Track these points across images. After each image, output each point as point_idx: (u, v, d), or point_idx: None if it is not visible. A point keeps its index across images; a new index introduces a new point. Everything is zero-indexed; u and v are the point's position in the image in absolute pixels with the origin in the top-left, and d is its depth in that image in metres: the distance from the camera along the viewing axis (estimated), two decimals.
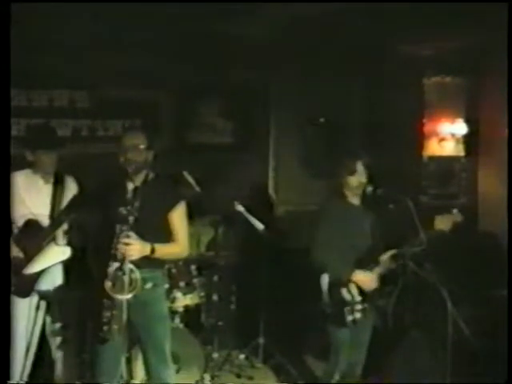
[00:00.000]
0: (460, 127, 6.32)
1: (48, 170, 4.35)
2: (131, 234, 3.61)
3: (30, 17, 4.69)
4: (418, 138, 6.36)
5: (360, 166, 4.28)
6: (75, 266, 4.33)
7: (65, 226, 4.28)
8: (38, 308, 4.06)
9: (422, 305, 5.12)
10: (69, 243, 4.29)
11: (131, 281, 3.58)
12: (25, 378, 4.25)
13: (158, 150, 4.02)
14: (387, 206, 4.37)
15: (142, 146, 3.80)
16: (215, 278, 5.25)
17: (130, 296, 3.59)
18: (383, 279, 4.25)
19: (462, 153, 6.40)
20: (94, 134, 5.88)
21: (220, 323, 5.33)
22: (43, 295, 4.12)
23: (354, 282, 4.17)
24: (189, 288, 4.95)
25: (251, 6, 5.06)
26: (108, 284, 3.57)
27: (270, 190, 6.53)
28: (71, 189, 4.42)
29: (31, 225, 4.28)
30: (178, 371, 4.52)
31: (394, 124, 6.32)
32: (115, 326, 3.62)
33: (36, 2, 4.63)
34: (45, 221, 4.29)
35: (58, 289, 4.28)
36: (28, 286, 4.21)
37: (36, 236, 4.24)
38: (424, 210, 5.44)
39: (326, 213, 4.30)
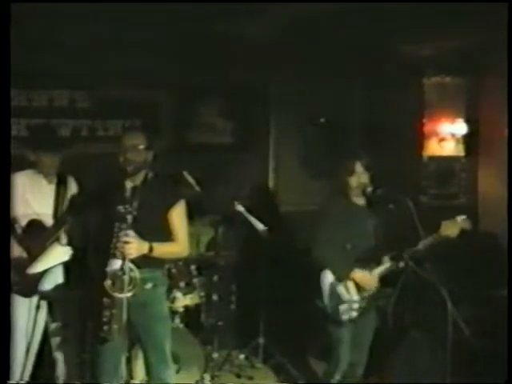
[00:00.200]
0: (460, 127, 6.32)
1: (51, 170, 4.35)
2: (129, 232, 3.61)
3: (29, 17, 4.69)
4: (418, 138, 6.36)
5: (359, 167, 4.28)
6: (76, 266, 4.33)
7: (66, 226, 4.29)
8: (38, 308, 4.06)
9: (422, 305, 5.12)
10: (69, 243, 4.29)
11: (130, 279, 3.58)
12: (25, 378, 4.26)
13: (158, 150, 4.02)
14: (387, 206, 4.36)
15: (141, 147, 3.80)
16: (215, 278, 5.25)
17: (129, 294, 3.59)
18: (383, 280, 4.26)
19: (462, 153, 6.40)
20: (94, 134, 5.89)
21: (220, 323, 5.33)
22: (43, 295, 4.13)
23: (353, 281, 4.18)
24: (189, 288, 4.95)
25: (251, 5, 5.05)
26: (107, 283, 3.57)
27: (271, 191, 6.52)
28: (74, 189, 4.43)
29: (34, 225, 4.29)
30: (178, 371, 4.52)
31: (394, 124, 6.31)
32: (115, 326, 3.62)
33: (36, 2, 4.63)
34: (48, 221, 4.30)
35: (58, 288, 4.29)
36: (31, 286, 4.21)
37: (39, 236, 4.25)
38: (424, 210, 5.46)
39: (328, 211, 4.31)
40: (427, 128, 6.34)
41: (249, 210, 5.19)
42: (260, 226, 5.11)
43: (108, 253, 3.62)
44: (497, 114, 5.87)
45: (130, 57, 5.58)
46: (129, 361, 4.35)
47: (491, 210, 6.06)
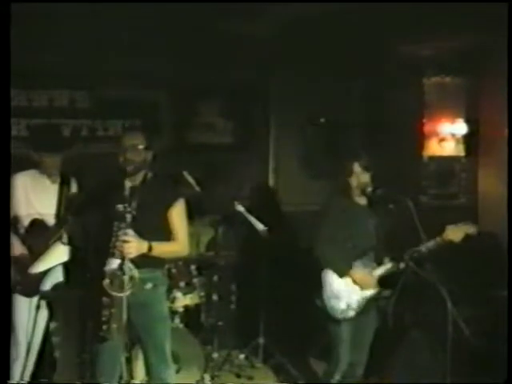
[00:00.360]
0: (460, 127, 6.31)
1: (54, 170, 4.36)
2: (128, 231, 3.61)
3: (29, 17, 4.69)
4: (418, 138, 6.36)
5: (357, 167, 4.29)
6: (75, 265, 4.33)
7: (68, 226, 4.29)
8: (38, 308, 4.07)
9: (422, 305, 5.12)
10: (69, 242, 4.29)
11: (129, 278, 3.58)
12: (26, 378, 4.26)
13: (158, 150, 4.02)
14: (387, 206, 4.36)
15: (140, 147, 3.81)
16: (215, 278, 5.25)
17: (127, 293, 3.59)
18: (383, 280, 4.26)
19: (462, 153, 6.40)
20: (94, 134, 5.88)
21: (220, 323, 5.33)
22: (43, 294, 4.13)
23: (352, 280, 4.19)
24: (189, 288, 4.95)
25: (251, 5, 5.06)
26: (106, 281, 3.58)
27: (271, 190, 6.52)
28: (75, 189, 4.44)
29: (37, 224, 4.30)
30: (178, 371, 4.53)
31: (394, 124, 6.31)
32: (114, 325, 3.62)
33: (36, 2, 4.63)
34: (51, 220, 4.31)
35: (58, 288, 4.29)
36: (33, 286, 4.22)
37: (42, 235, 4.26)
38: (424, 210, 5.46)
39: (330, 210, 4.32)
40: (427, 128, 6.33)
41: (249, 210, 5.20)
42: (260, 226, 5.11)
43: (108, 252, 3.62)
44: (497, 114, 5.87)
45: (129, 57, 5.57)
46: (129, 361, 4.34)
47: (491, 209, 6.06)
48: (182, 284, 4.90)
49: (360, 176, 4.29)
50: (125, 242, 3.59)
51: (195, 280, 5.00)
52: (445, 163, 6.41)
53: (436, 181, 6.41)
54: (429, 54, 6.16)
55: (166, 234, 3.86)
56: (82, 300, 4.22)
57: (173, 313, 4.69)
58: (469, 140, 6.35)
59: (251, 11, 5.26)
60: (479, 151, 6.37)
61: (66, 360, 4.48)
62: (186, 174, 4.99)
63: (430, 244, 4.14)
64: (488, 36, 5.58)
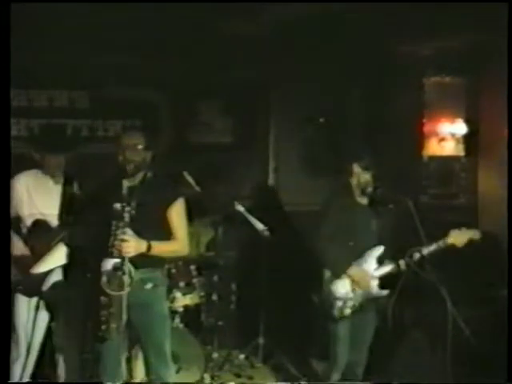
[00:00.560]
0: (460, 127, 6.32)
1: (57, 170, 4.37)
2: (127, 230, 3.61)
3: (29, 17, 4.69)
4: (418, 138, 6.36)
5: (357, 168, 4.29)
6: (76, 265, 4.33)
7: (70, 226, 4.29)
8: (37, 308, 4.07)
9: (422, 305, 5.12)
10: (69, 242, 4.29)
11: (127, 277, 3.58)
12: (26, 378, 4.26)
13: (158, 149, 4.02)
14: (387, 206, 4.36)
15: (140, 146, 3.81)
16: (215, 278, 5.26)
17: (125, 292, 3.59)
18: (383, 281, 4.26)
19: (461, 153, 6.40)
20: (94, 134, 5.89)
21: (220, 323, 5.34)
22: (43, 294, 4.13)
23: (350, 278, 4.19)
24: (189, 288, 4.95)
25: (251, 5, 5.05)
26: (104, 281, 3.58)
27: (273, 190, 6.52)
28: (75, 188, 4.44)
29: (40, 225, 4.30)
30: (178, 371, 4.53)
31: (394, 124, 6.31)
32: (113, 325, 3.62)
33: (36, 2, 4.63)
34: (53, 221, 4.30)
35: (58, 287, 4.29)
36: (35, 286, 4.21)
37: (44, 236, 4.25)
38: (424, 210, 5.46)
39: (330, 209, 4.31)
40: (427, 128, 6.33)
41: (249, 210, 5.20)
42: (260, 226, 5.11)
43: (107, 252, 3.62)
44: (497, 114, 5.87)
45: (130, 57, 5.58)
46: (129, 361, 4.35)
47: (491, 209, 6.06)
48: (181, 284, 4.90)
49: (360, 176, 4.29)
50: (123, 241, 3.60)
51: (195, 280, 5.00)
52: (445, 163, 6.41)
53: (436, 181, 6.41)
54: (429, 54, 6.16)
55: (166, 234, 3.86)
56: (82, 300, 4.23)
57: (173, 313, 4.69)
58: (469, 140, 6.36)
59: (251, 11, 5.26)
60: (479, 151, 6.37)
61: (67, 360, 4.48)
62: (185, 174, 4.99)
63: (432, 248, 4.15)
64: (488, 36, 5.58)
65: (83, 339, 4.38)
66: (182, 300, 4.88)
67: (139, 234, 3.68)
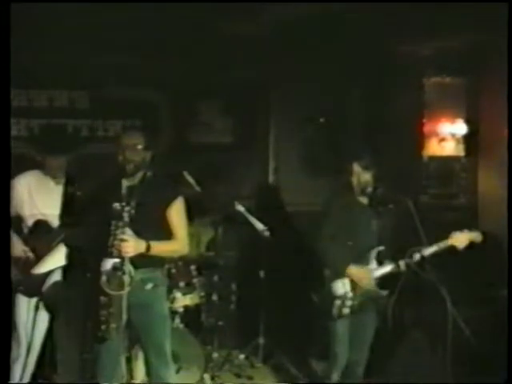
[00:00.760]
0: (460, 127, 6.31)
1: (59, 171, 4.37)
2: (126, 230, 3.61)
3: (29, 17, 4.69)
4: (418, 138, 6.36)
5: (357, 167, 4.29)
6: (76, 265, 4.33)
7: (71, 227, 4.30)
8: (37, 308, 4.07)
9: (422, 305, 5.12)
10: (71, 243, 4.29)
11: (127, 277, 3.58)
12: (27, 378, 4.26)
13: (158, 149, 4.02)
14: (387, 206, 4.36)
15: (139, 146, 3.81)
16: (215, 278, 5.26)
17: (125, 292, 3.59)
18: (382, 281, 4.26)
19: (462, 153, 6.40)
20: (94, 134, 5.89)
21: (220, 323, 5.34)
22: (43, 294, 4.13)
23: (350, 278, 4.20)
24: (189, 288, 4.94)
25: (251, 5, 5.05)
26: (103, 280, 3.58)
27: (271, 190, 6.52)
28: (77, 189, 4.44)
29: (41, 225, 4.30)
30: (178, 371, 4.53)
31: (394, 124, 6.31)
32: (113, 325, 3.62)
33: (36, 2, 4.63)
34: (55, 221, 4.30)
35: (58, 287, 4.29)
36: (36, 286, 4.22)
37: (45, 236, 4.26)
38: (424, 209, 5.46)
39: (331, 209, 4.32)
40: (427, 128, 6.33)
41: (249, 210, 5.20)
42: (260, 226, 5.11)
43: (106, 251, 3.62)
44: (497, 114, 5.87)
45: (129, 57, 5.58)
46: (129, 361, 4.35)
47: (491, 209, 6.06)
48: (181, 284, 4.90)
49: (360, 175, 4.29)
50: (123, 240, 3.60)
51: (195, 280, 5.00)
52: (445, 163, 6.41)
53: (436, 181, 6.41)
54: (429, 53, 6.16)
55: (166, 233, 3.86)
56: (81, 300, 4.23)
57: (173, 313, 4.69)
58: (469, 140, 6.35)
59: (251, 11, 5.26)
60: (479, 151, 6.37)
61: (67, 360, 4.48)
62: (185, 173, 4.99)
63: (433, 249, 4.15)
64: (488, 36, 5.58)
65: (83, 339, 4.38)
66: (182, 300, 4.87)
67: (139, 233, 3.68)
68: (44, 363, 4.41)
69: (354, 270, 4.21)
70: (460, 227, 4.28)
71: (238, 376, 5.26)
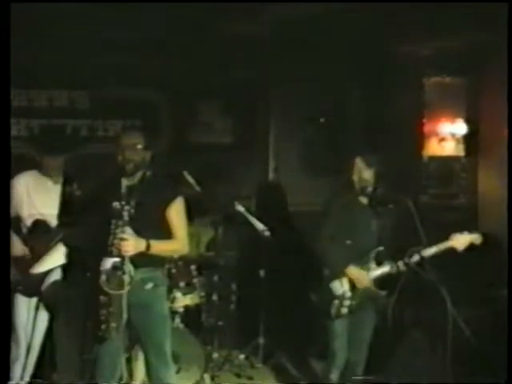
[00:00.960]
0: (460, 127, 6.32)
1: (56, 171, 4.37)
2: (126, 229, 3.61)
3: (29, 17, 4.69)
4: (418, 138, 6.36)
5: (360, 163, 4.27)
6: (75, 265, 4.33)
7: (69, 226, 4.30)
8: (37, 308, 4.07)
9: (421, 305, 5.12)
10: (70, 242, 4.29)
11: (127, 276, 3.58)
12: (26, 378, 4.26)
13: (158, 149, 4.02)
14: (387, 206, 4.36)
15: (139, 146, 3.80)
16: (215, 278, 5.26)
17: (125, 291, 3.59)
18: (382, 281, 4.26)
19: (462, 153, 6.40)
20: (94, 134, 5.89)
21: (220, 323, 5.34)
22: (43, 294, 4.13)
23: (348, 278, 4.20)
24: (189, 288, 4.94)
25: (251, 5, 5.05)
26: (103, 280, 3.58)
27: (271, 190, 6.52)
28: (75, 188, 4.44)
29: (39, 225, 4.31)
30: (178, 371, 4.52)
31: (394, 124, 6.31)
32: (113, 325, 3.62)
33: (36, 2, 4.63)
34: (53, 221, 4.31)
35: (58, 287, 4.29)
36: (35, 286, 4.22)
37: (44, 236, 4.26)
38: (424, 209, 5.46)
39: (331, 209, 4.31)
40: (427, 128, 6.33)
41: (249, 210, 5.20)
42: (260, 226, 5.11)
43: (106, 251, 3.62)
44: (497, 114, 5.87)
45: (129, 57, 5.58)
46: (129, 361, 4.35)
47: (491, 209, 6.06)
48: (182, 284, 4.89)
49: (362, 172, 4.27)
50: (122, 240, 3.60)
51: (195, 280, 5.00)
52: (445, 163, 6.41)
53: (436, 181, 6.41)
54: (429, 53, 6.16)
55: (165, 233, 3.86)
56: (81, 299, 4.23)
57: (173, 313, 4.69)
58: (469, 140, 6.36)
59: (251, 11, 5.26)
60: (479, 151, 6.37)
61: (67, 360, 4.48)
62: (185, 173, 4.99)
63: (433, 250, 4.14)
64: (488, 36, 5.58)
65: (83, 339, 4.38)
66: (183, 300, 4.87)
67: (138, 233, 3.68)
68: (44, 363, 4.41)
69: (352, 270, 4.21)
70: (460, 227, 4.28)
71: (238, 376, 5.26)
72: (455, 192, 6.43)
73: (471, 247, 4.24)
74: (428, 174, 6.40)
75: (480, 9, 4.82)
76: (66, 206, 4.30)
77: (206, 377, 4.90)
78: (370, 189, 4.28)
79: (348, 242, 4.24)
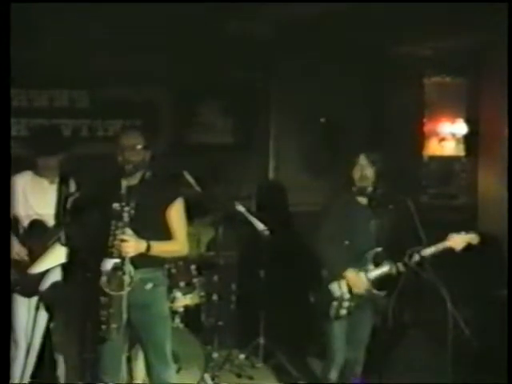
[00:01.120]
0: (460, 127, 6.32)
1: (52, 171, 4.36)
2: (126, 230, 3.61)
3: (29, 17, 4.69)
4: (418, 138, 6.36)
5: (364, 160, 4.26)
6: (75, 265, 4.33)
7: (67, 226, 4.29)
8: (37, 308, 4.07)
9: (422, 305, 5.12)
10: (68, 243, 4.29)
11: (127, 277, 3.58)
12: (26, 378, 4.26)
13: (158, 149, 4.02)
14: (387, 206, 4.35)
15: (139, 147, 3.80)
16: (215, 278, 5.25)
17: (125, 292, 3.59)
18: (382, 281, 4.25)
19: (462, 153, 6.40)
20: (94, 134, 5.89)
21: (220, 323, 5.33)
22: (43, 294, 4.13)
23: (346, 280, 4.20)
24: (189, 288, 4.94)
25: (251, 5, 5.06)
26: (103, 281, 3.58)
27: (271, 190, 6.52)
28: (73, 188, 4.44)
29: (36, 225, 4.30)
30: (178, 371, 4.52)
31: (394, 124, 6.31)
32: (114, 325, 3.62)
33: (36, 2, 4.63)
34: (50, 221, 4.31)
35: (58, 288, 4.29)
36: (33, 286, 4.22)
37: (41, 236, 4.26)
38: (424, 209, 5.45)
39: (331, 209, 4.31)
40: (427, 128, 6.34)
41: (249, 210, 5.20)
42: (260, 226, 5.11)
43: (106, 251, 3.62)
44: (497, 114, 5.87)
45: (129, 57, 5.58)
46: (129, 361, 4.35)
47: (491, 209, 6.06)
48: (182, 284, 4.89)
49: (364, 169, 4.25)
50: (123, 241, 3.59)
51: (195, 280, 4.99)
52: (445, 163, 6.42)
53: (436, 181, 6.42)
54: (429, 54, 6.16)
55: (165, 234, 3.86)
56: (81, 300, 4.23)
57: (173, 313, 4.68)
58: (469, 140, 6.36)
59: (251, 11, 5.26)
60: (479, 151, 6.37)
61: (67, 360, 4.48)
62: (186, 173, 4.99)
63: (431, 250, 4.14)
64: (488, 36, 5.59)
65: (83, 339, 4.38)
66: (182, 300, 4.87)
67: (138, 233, 3.67)
68: (43, 363, 4.41)
69: (349, 274, 4.20)
70: (460, 227, 4.28)
71: (239, 376, 5.27)
72: (455, 192, 6.43)
73: (470, 247, 4.23)
74: (428, 174, 6.41)
75: (480, 9, 4.82)
76: (63, 205, 4.30)
77: (206, 377, 4.90)
78: (370, 189, 4.27)
79: (346, 242, 4.23)
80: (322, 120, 6.62)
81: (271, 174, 6.52)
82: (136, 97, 5.89)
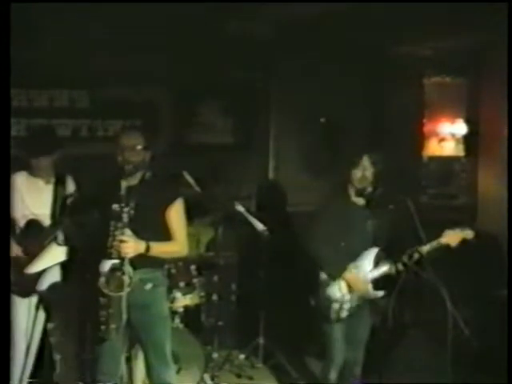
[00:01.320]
0: (460, 127, 6.32)
1: (46, 171, 4.36)
2: (126, 231, 3.61)
3: (29, 17, 4.69)
4: (418, 138, 6.36)
5: (366, 161, 4.25)
6: (74, 266, 4.33)
7: (64, 226, 4.29)
8: (37, 308, 4.07)
9: (421, 305, 5.12)
10: (67, 242, 4.29)
11: (126, 278, 3.58)
12: (25, 379, 4.26)
13: (158, 150, 4.02)
14: (387, 206, 4.35)
15: (139, 147, 3.79)
16: (215, 278, 5.26)
17: (124, 293, 3.59)
18: (379, 281, 4.25)
19: (461, 153, 6.40)
20: (94, 134, 5.88)
21: (220, 323, 5.34)
22: (43, 295, 4.13)
23: (346, 281, 4.20)
24: (189, 288, 4.94)
25: (251, 5, 5.06)
26: (102, 281, 3.57)
27: (271, 191, 6.52)
28: (72, 189, 4.44)
29: (32, 225, 4.30)
30: (178, 371, 4.52)
31: (394, 124, 6.31)
32: (113, 326, 3.62)
33: (36, 2, 4.63)
34: (46, 220, 4.31)
35: (55, 288, 4.29)
36: (29, 286, 4.22)
37: (37, 236, 4.25)
38: (424, 210, 5.46)
39: (327, 210, 4.31)
40: (427, 128, 6.34)
41: (249, 210, 5.19)
42: (260, 226, 5.11)
43: (105, 252, 3.62)
44: (497, 114, 5.87)
45: (129, 57, 5.57)
46: (129, 361, 4.35)
47: (491, 209, 6.06)
48: (181, 284, 4.89)
49: (366, 170, 4.24)
50: (122, 241, 3.59)
51: (195, 280, 4.99)
52: (445, 163, 6.42)
53: (436, 181, 6.42)
54: (429, 54, 6.16)
55: (165, 234, 3.85)
56: (80, 300, 4.23)
57: (173, 313, 4.68)
58: (469, 140, 6.36)
59: (251, 11, 5.26)
60: (479, 151, 6.37)
61: (66, 361, 4.47)
62: (185, 174, 4.99)
63: (427, 247, 4.15)
64: (488, 36, 5.59)
65: (82, 340, 4.38)
66: (182, 300, 4.87)
67: (138, 234, 3.67)
68: (43, 364, 4.40)
69: (348, 275, 4.20)
70: (460, 227, 4.28)
71: (238, 376, 5.27)
72: (455, 192, 6.43)
73: (465, 243, 4.23)
74: (428, 174, 6.41)
75: (480, 9, 4.83)
76: (59, 205, 4.30)
77: (206, 377, 4.90)
78: (369, 189, 4.27)
79: (343, 243, 4.23)
80: (322, 120, 6.62)
81: (271, 174, 6.52)
82: (136, 97, 5.89)
